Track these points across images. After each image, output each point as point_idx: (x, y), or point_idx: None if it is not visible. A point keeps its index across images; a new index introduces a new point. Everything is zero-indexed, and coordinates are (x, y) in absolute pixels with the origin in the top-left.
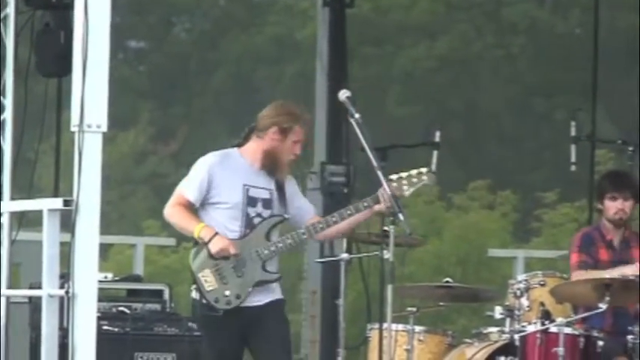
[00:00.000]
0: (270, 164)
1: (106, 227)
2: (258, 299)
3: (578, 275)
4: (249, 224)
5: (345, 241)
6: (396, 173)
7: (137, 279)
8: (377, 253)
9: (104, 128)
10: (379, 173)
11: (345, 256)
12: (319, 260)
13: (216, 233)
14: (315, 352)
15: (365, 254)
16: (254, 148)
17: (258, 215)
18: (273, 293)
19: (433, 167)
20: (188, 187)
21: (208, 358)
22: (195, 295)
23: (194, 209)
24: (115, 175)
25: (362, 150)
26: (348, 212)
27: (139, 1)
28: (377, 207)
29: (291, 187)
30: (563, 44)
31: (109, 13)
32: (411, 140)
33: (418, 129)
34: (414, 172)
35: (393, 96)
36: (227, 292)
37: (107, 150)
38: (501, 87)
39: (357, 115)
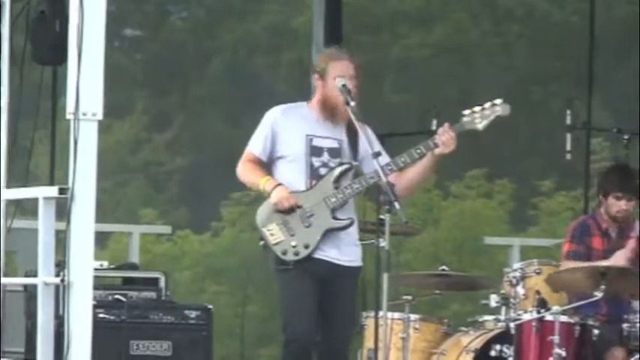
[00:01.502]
0: (328, 112)
1: (101, 215)
2: (334, 254)
3: (567, 265)
4: (314, 174)
5: None
6: (469, 109)
7: (133, 267)
8: (373, 241)
9: (100, 116)
10: (375, 161)
11: None
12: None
13: (279, 184)
14: None
15: (362, 242)
16: (314, 101)
17: (324, 165)
18: (353, 254)
19: None
20: (254, 143)
21: (284, 304)
22: (263, 249)
23: (263, 165)
24: (111, 163)
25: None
26: (418, 151)
27: None
28: (438, 150)
29: (366, 137)
30: (560, 32)
31: (105, 1)
32: (406, 127)
33: (414, 116)
34: (487, 104)
35: (389, 84)
36: (294, 243)
37: (102, 138)
38: (497, 75)
39: (352, 103)
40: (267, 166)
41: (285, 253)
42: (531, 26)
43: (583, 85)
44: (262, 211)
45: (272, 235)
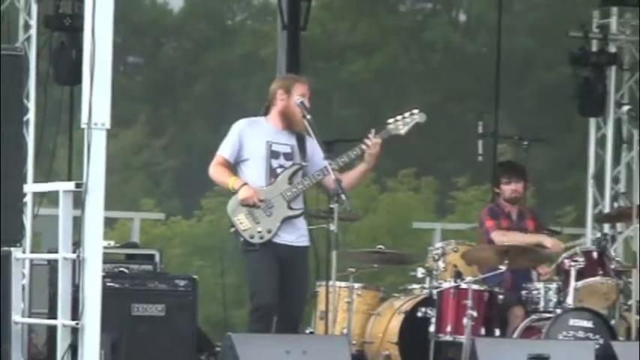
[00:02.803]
0: (288, 121)
1: (109, 204)
2: (290, 238)
3: (499, 234)
4: (273, 173)
5: None
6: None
7: (134, 245)
8: (324, 225)
9: (108, 126)
10: (326, 162)
11: None
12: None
13: (245, 183)
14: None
15: (315, 226)
16: (273, 114)
17: (281, 166)
18: (303, 238)
19: None
20: (224, 148)
21: (251, 277)
22: (234, 235)
23: (230, 166)
24: (117, 163)
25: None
26: (354, 152)
27: (135, 25)
28: (368, 156)
29: (312, 144)
30: (472, 60)
31: (112, 35)
32: (351, 136)
33: (356, 127)
34: (407, 113)
35: (337, 101)
36: (259, 229)
37: (111, 143)
38: (423, 94)
39: (308, 116)
40: (233, 167)
41: (252, 237)
42: (450, 56)
43: (491, 102)
44: (232, 204)
45: (241, 223)
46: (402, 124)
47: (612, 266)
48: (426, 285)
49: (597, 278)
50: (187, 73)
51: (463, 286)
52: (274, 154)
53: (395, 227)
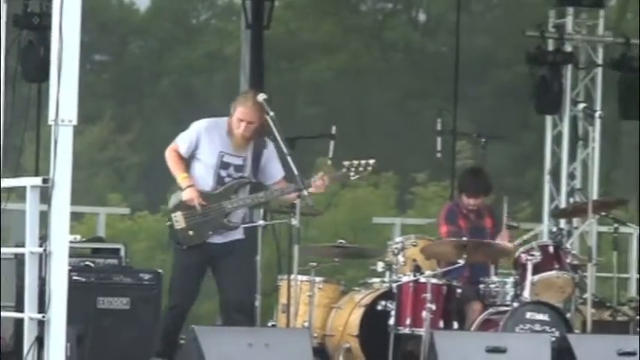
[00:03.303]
0: (230, 136)
1: (75, 199)
2: (220, 239)
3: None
4: (220, 182)
5: (261, 210)
6: (348, 161)
7: (100, 240)
8: (287, 220)
9: (75, 122)
10: (289, 158)
11: (261, 222)
12: (242, 225)
13: (191, 185)
14: None
15: (277, 221)
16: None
17: (229, 176)
18: (237, 234)
19: (330, 154)
20: (182, 142)
21: (173, 274)
22: (169, 229)
23: (185, 161)
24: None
25: (275, 140)
26: (299, 186)
27: (102, 24)
28: (311, 190)
29: (267, 154)
30: (432, 59)
31: (79, 33)
32: (313, 133)
33: (320, 124)
34: (363, 162)
35: (301, 99)
36: (191, 233)
37: (77, 140)
38: (384, 92)
39: (271, 114)
40: (187, 160)
41: (183, 238)
42: (410, 55)
43: (450, 99)
44: (174, 200)
45: (177, 221)
46: (354, 171)
47: (568, 260)
48: (386, 279)
49: (553, 272)
50: (152, 71)
51: (422, 280)
52: (224, 165)
53: (356, 222)
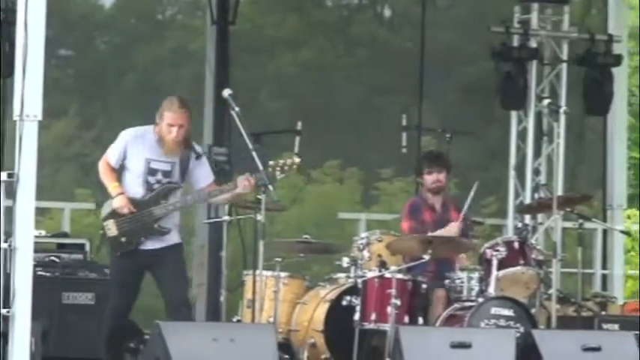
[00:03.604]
0: (161, 143)
1: (41, 195)
2: (153, 245)
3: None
4: (149, 188)
5: (227, 206)
6: (273, 160)
7: (64, 235)
8: (252, 215)
9: (40, 118)
10: (254, 154)
11: (226, 217)
12: (207, 221)
13: (121, 193)
14: (202, 293)
15: (242, 216)
16: (157, 129)
17: (158, 182)
18: (171, 239)
19: (296, 149)
20: (111, 154)
21: (111, 279)
22: (102, 236)
23: (116, 172)
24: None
25: (240, 136)
26: (226, 187)
27: (67, 19)
28: (237, 190)
29: (195, 160)
30: (397, 54)
31: (44, 29)
32: (279, 128)
33: (285, 120)
34: (288, 161)
35: (266, 94)
36: (123, 239)
37: (42, 135)
38: (349, 88)
39: (237, 109)
40: (118, 171)
41: (116, 245)
42: (375, 50)
43: (415, 95)
44: (105, 208)
45: (109, 229)
46: (279, 170)
47: (533, 256)
48: (351, 274)
49: (518, 268)
50: (118, 67)
51: (387, 275)
52: (152, 172)
53: (321, 218)
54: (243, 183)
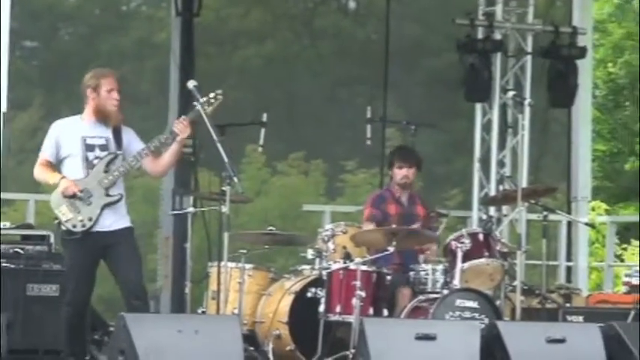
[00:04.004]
0: (102, 116)
1: (5, 186)
2: (109, 224)
3: (367, 225)
4: (90, 165)
5: (191, 198)
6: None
7: (29, 226)
8: (216, 207)
9: (4, 109)
10: (218, 145)
11: (191, 209)
12: (172, 213)
13: (63, 177)
14: (167, 285)
15: (207, 208)
16: (86, 111)
17: (97, 157)
18: (123, 220)
19: (261, 141)
20: (45, 150)
21: (67, 271)
22: (57, 227)
23: (52, 165)
24: (14, 146)
25: (205, 127)
26: (164, 137)
27: (32, 11)
28: (178, 137)
29: (128, 133)
30: (362, 46)
31: (8, 20)
32: (244, 120)
33: (249, 111)
34: (212, 94)
35: (231, 86)
36: (80, 218)
37: (7, 126)
38: (314, 79)
39: (202, 100)
40: (56, 166)
41: (75, 226)
42: (340, 42)
43: (380, 87)
44: (54, 198)
45: (63, 214)
46: (207, 104)
47: (498, 248)
48: (316, 266)
49: (483, 260)
50: (82, 58)
51: (352, 267)
52: (89, 148)
53: (286, 210)
54: (178, 127)
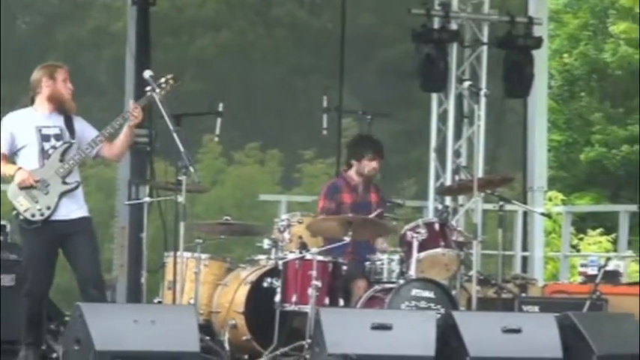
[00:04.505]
0: (58, 103)
1: None
2: (66, 213)
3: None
4: (45, 155)
5: (147, 187)
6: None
7: None
8: (172, 197)
9: None
10: (174, 135)
11: (147, 199)
12: (127, 202)
13: (19, 168)
14: (123, 274)
15: (163, 198)
16: (39, 101)
17: (53, 147)
18: (81, 210)
19: (217, 131)
20: (1, 145)
21: (26, 261)
22: (15, 217)
23: (7, 158)
24: None
25: (161, 117)
26: (117, 123)
27: None
28: (130, 123)
29: (80, 123)
30: (317, 36)
31: None
32: (200, 110)
33: (206, 101)
34: (163, 79)
35: (187, 75)
36: (39, 207)
37: None
38: (269, 69)
39: (157, 90)
40: (12, 158)
41: (33, 215)
42: (295, 31)
43: (336, 77)
44: (11, 189)
45: (21, 205)
46: (160, 89)
47: (453, 238)
48: (272, 256)
49: (439, 250)
50: (39, 47)
51: (308, 257)
52: (45, 138)
53: (242, 199)
54: (133, 113)
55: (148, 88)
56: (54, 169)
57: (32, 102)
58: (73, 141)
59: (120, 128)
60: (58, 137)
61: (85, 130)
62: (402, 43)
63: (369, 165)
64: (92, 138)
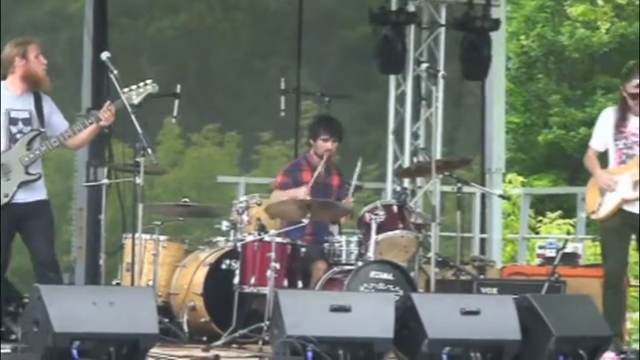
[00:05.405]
0: (33, 81)
1: None
2: (25, 197)
3: (277, 193)
4: (12, 139)
5: (105, 169)
6: (128, 87)
7: None
8: (131, 179)
9: None
10: (132, 116)
11: (105, 181)
12: (85, 184)
13: None
14: (82, 256)
15: (121, 179)
16: (11, 80)
17: (20, 132)
18: (39, 194)
19: (175, 112)
20: None
21: None
22: None
23: None
24: None
25: (119, 98)
26: (89, 121)
27: None
28: (102, 123)
29: (49, 106)
30: (276, 18)
31: None
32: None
33: (163, 83)
34: (141, 84)
35: (145, 57)
36: None
37: None
38: (228, 51)
39: (115, 72)
40: None
41: None
42: (254, 13)
43: (294, 58)
44: None
45: None
46: (135, 94)
47: (412, 220)
48: (231, 238)
49: (397, 232)
50: None
51: (266, 238)
52: (13, 121)
53: (200, 181)
54: (104, 115)
55: (125, 90)
56: (18, 157)
57: (4, 78)
58: (42, 129)
59: (90, 124)
60: (26, 122)
61: (52, 114)
62: (361, 25)
63: (324, 145)
64: (61, 131)
